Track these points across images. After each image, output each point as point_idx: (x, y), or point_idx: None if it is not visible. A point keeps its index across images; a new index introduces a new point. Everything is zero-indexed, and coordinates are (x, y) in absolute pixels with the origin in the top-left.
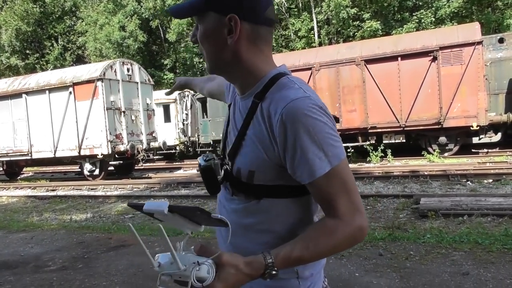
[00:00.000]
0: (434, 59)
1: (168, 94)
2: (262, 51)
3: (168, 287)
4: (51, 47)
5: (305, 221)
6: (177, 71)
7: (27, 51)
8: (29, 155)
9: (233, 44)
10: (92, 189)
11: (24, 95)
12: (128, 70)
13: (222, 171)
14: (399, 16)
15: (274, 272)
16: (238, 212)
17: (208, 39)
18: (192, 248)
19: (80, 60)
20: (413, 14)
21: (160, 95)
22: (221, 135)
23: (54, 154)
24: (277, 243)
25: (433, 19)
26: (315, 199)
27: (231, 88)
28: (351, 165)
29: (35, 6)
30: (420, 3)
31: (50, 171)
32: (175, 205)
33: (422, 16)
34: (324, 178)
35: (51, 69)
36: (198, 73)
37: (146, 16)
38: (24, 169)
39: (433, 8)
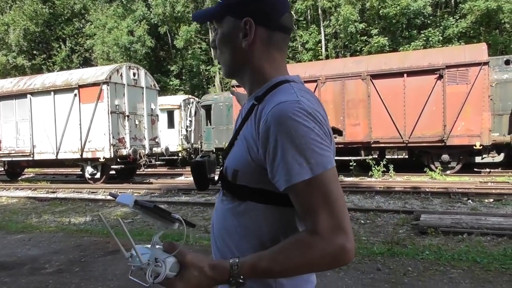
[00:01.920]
0: (440, 77)
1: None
2: (275, 58)
3: (137, 279)
4: (58, 49)
5: (289, 235)
6: (183, 77)
7: (34, 52)
8: (31, 156)
9: (247, 47)
10: (92, 192)
11: (29, 96)
12: (134, 74)
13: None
14: (407, 33)
15: (240, 281)
16: (225, 213)
17: (225, 43)
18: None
19: (87, 62)
20: (421, 32)
21: (164, 101)
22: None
23: (56, 156)
24: (257, 251)
25: (441, 38)
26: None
27: None
28: (353, 179)
29: (44, 6)
30: (428, 22)
31: (52, 173)
32: (141, 201)
33: (430, 35)
34: (303, 186)
35: (57, 71)
36: (203, 80)
37: (155, 22)
38: (26, 170)
39: (441, 27)
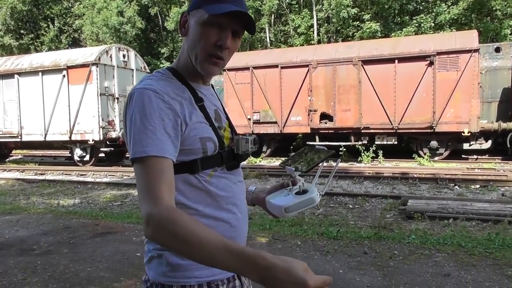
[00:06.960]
0: (431, 63)
1: None
2: None
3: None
4: (46, 28)
5: None
6: (174, 60)
7: (22, 31)
8: (19, 137)
9: None
10: (81, 175)
11: (16, 76)
12: (124, 56)
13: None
14: (399, 19)
15: None
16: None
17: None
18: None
19: (76, 43)
20: (413, 18)
21: None
22: (210, 123)
23: (45, 138)
24: None
25: (433, 24)
26: None
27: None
28: (342, 164)
29: None
30: (421, 8)
31: (40, 154)
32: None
33: (422, 21)
34: None
35: (45, 51)
36: None
37: (146, 3)
38: (13, 151)
39: (433, 14)
